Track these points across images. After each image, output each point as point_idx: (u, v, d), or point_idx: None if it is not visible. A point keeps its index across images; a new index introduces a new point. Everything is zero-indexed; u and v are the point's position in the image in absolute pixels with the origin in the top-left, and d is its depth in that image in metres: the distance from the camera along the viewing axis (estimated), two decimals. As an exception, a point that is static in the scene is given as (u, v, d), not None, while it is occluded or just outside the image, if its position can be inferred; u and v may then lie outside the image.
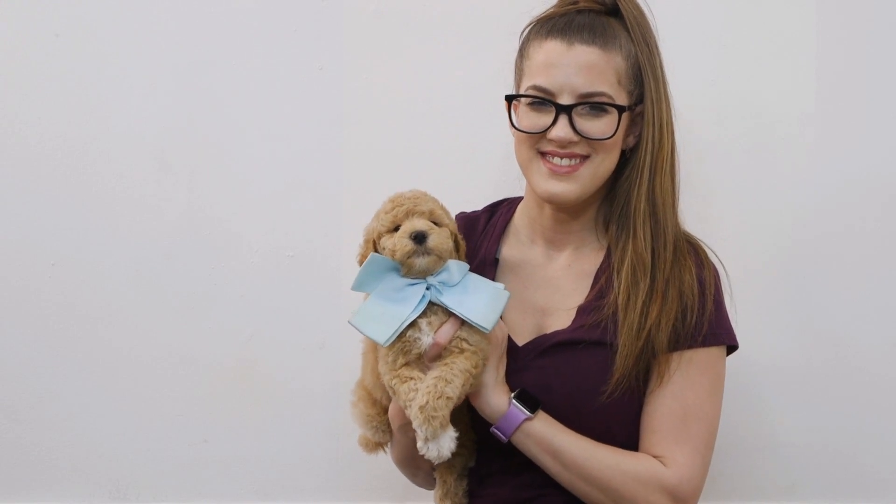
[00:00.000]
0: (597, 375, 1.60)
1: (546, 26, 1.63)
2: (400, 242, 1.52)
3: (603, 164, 1.64)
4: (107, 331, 2.12)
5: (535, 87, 1.61)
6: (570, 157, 1.62)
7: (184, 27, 2.10)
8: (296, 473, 2.14)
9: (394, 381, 1.53)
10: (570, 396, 1.60)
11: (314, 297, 2.12)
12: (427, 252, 1.52)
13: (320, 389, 2.12)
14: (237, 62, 2.11)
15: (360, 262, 1.59)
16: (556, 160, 1.62)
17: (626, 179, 1.67)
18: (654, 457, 1.60)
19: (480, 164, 2.09)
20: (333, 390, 2.07)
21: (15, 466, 2.14)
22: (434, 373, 1.51)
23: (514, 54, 1.69)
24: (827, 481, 2.10)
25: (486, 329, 1.53)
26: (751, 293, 1.99)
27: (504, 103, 1.67)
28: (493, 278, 1.70)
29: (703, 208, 2.01)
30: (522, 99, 1.64)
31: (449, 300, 1.54)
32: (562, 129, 1.59)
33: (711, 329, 1.62)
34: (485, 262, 1.73)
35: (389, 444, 1.80)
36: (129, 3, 2.09)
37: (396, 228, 1.55)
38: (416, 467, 1.77)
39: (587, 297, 1.66)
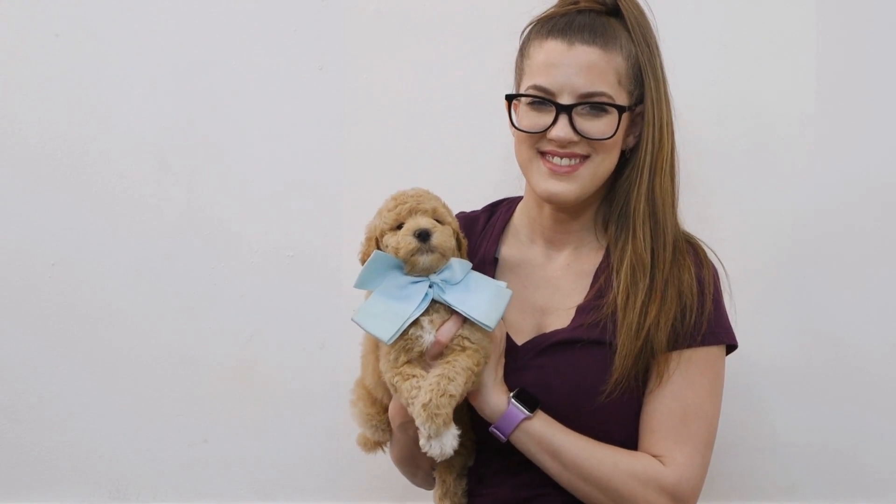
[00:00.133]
0: (596, 374, 1.60)
1: (546, 26, 1.63)
2: (404, 240, 1.52)
3: (603, 164, 1.64)
4: (107, 331, 2.12)
5: (536, 87, 1.61)
6: (570, 156, 1.62)
7: (184, 27, 2.10)
8: (296, 473, 2.14)
9: (396, 379, 1.53)
10: (570, 396, 1.60)
11: (314, 297, 2.12)
12: (431, 250, 1.53)
13: (320, 389, 2.12)
14: (237, 62, 2.11)
15: (362, 261, 1.59)
16: (556, 160, 1.62)
17: (625, 179, 1.67)
18: (654, 456, 1.60)
19: (480, 164, 2.09)
20: (333, 390, 2.07)
21: (15, 466, 2.14)
22: (436, 370, 1.51)
23: (514, 54, 1.69)
24: (827, 481, 2.10)
25: (490, 327, 1.53)
26: (751, 293, 1.99)
27: (504, 103, 1.67)
28: (492, 277, 1.70)
29: (703, 208, 2.00)
30: (522, 98, 1.64)
31: (452, 298, 1.54)
32: (562, 129, 1.59)
33: (710, 328, 1.62)
34: (484, 262, 1.73)
35: (389, 444, 1.80)
36: (129, 3, 2.09)
37: (399, 226, 1.55)
38: (416, 466, 1.77)
39: (586, 296, 1.66)
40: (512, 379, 1.61)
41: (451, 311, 1.55)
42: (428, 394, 1.47)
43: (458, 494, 1.71)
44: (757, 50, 2.08)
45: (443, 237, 1.53)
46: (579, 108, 1.59)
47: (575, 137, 1.60)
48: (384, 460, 1.84)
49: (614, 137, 1.61)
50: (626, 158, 1.68)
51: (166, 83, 2.10)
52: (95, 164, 2.11)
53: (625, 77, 1.62)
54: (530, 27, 1.68)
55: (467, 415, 1.64)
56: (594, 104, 1.59)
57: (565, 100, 1.59)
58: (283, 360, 2.13)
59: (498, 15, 2.04)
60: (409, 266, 1.54)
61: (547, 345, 1.63)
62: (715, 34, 2.08)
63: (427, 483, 1.81)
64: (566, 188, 1.63)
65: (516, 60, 1.69)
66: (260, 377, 2.13)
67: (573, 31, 1.60)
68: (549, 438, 1.57)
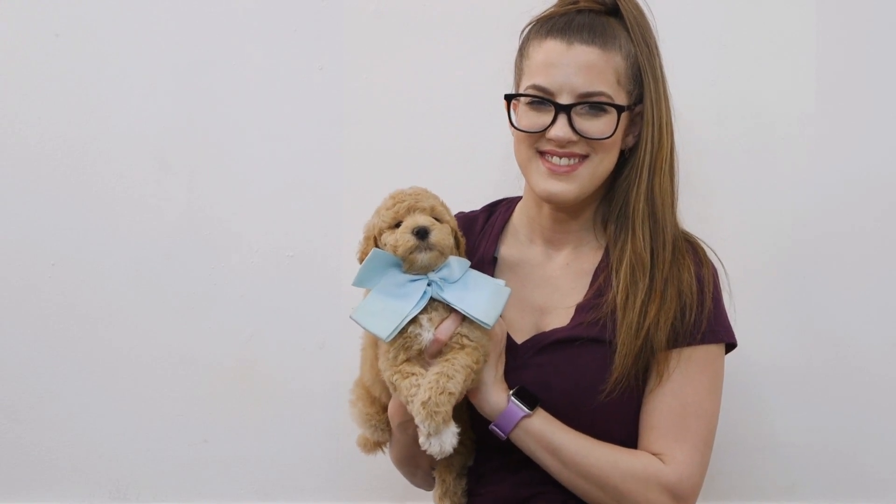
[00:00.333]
0: (596, 372, 1.60)
1: (546, 26, 1.63)
2: (402, 238, 1.53)
3: (602, 164, 1.64)
4: (107, 331, 2.12)
5: (535, 87, 1.61)
6: (569, 156, 1.62)
7: (184, 27, 2.10)
8: (296, 473, 2.14)
9: (395, 377, 1.53)
10: (569, 394, 1.60)
11: (314, 297, 2.12)
12: (429, 248, 1.53)
13: (320, 389, 2.12)
14: (237, 62, 2.11)
15: (361, 259, 1.60)
16: (555, 160, 1.62)
17: (625, 179, 1.67)
18: (654, 454, 1.60)
19: (480, 164, 2.09)
20: (333, 390, 2.07)
21: (15, 466, 2.14)
22: (435, 368, 1.51)
23: (514, 54, 1.69)
24: (827, 481, 2.10)
25: (488, 325, 1.53)
26: (751, 293, 1.99)
27: (504, 103, 1.67)
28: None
29: (703, 208, 2.00)
30: (522, 98, 1.64)
31: (450, 296, 1.54)
32: (561, 129, 1.59)
33: (710, 327, 1.62)
34: (483, 262, 1.73)
35: (388, 444, 1.80)
36: (129, 3, 2.10)
37: (398, 225, 1.55)
38: (415, 466, 1.77)
39: (586, 295, 1.66)
40: (512, 377, 1.61)
41: (450, 310, 1.55)
42: (427, 392, 1.47)
43: (457, 494, 1.71)
44: (757, 50, 2.08)
45: (441, 235, 1.53)
46: (578, 107, 1.59)
47: (574, 137, 1.60)
48: (384, 460, 1.84)
49: (613, 137, 1.61)
50: (626, 158, 1.68)
51: (166, 83, 2.11)
52: (95, 164, 2.11)
53: (624, 77, 1.62)
54: (529, 27, 1.68)
55: (467, 413, 1.64)
56: (593, 104, 1.59)
57: (564, 99, 1.59)
58: (283, 360, 2.13)
59: (498, 15, 2.04)
60: (407, 264, 1.54)
61: (546, 343, 1.63)
62: (715, 34, 2.08)
63: (427, 483, 1.81)
64: (565, 188, 1.63)
65: (515, 60, 1.69)
66: (260, 377, 2.13)
67: (572, 30, 1.60)
68: (548, 436, 1.57)
